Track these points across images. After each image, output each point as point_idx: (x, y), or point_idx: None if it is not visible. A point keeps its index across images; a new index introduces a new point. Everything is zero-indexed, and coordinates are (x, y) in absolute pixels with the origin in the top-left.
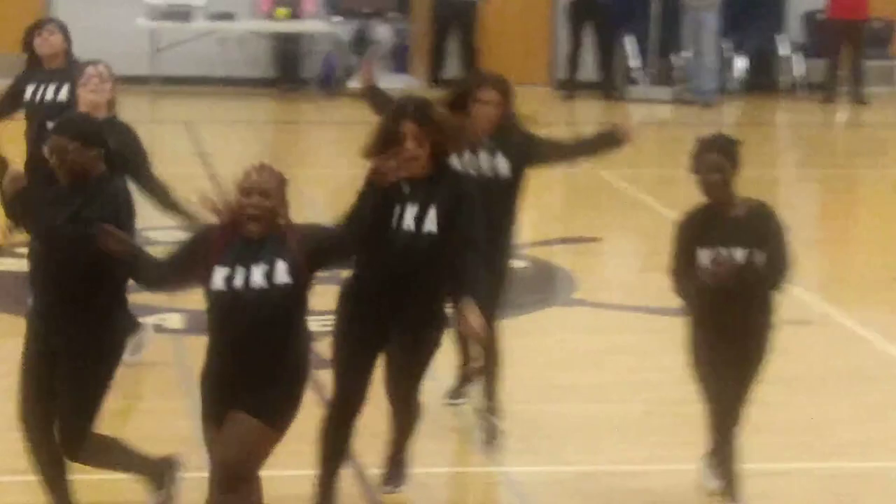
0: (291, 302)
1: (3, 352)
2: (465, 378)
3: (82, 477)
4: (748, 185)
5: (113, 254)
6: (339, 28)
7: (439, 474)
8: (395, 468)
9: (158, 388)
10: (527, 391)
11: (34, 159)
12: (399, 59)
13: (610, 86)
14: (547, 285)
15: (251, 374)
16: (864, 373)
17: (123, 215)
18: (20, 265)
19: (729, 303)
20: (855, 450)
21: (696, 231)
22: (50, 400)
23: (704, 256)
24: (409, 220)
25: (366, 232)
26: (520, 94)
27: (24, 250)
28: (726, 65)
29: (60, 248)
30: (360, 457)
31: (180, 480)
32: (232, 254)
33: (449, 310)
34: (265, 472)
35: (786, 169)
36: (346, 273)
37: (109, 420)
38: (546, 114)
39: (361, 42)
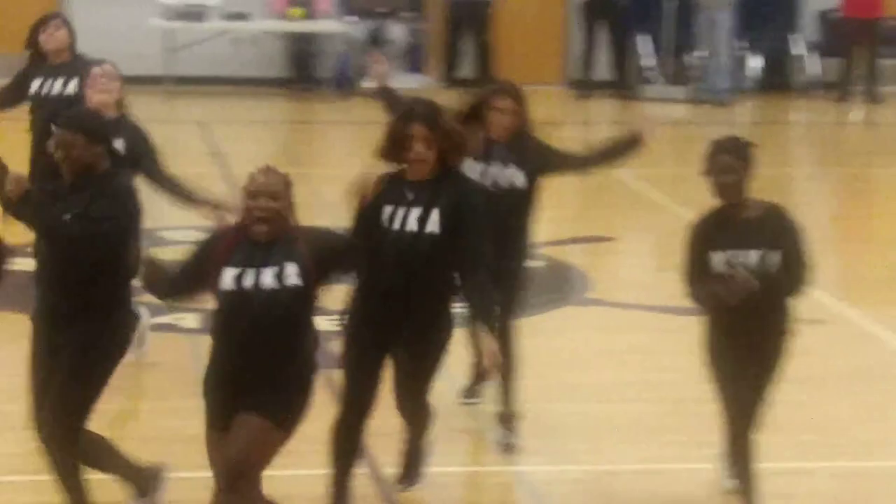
0: (300, 304)
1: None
2: (478, 377)
3: (98, 477)
4: (762, 184)
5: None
6: (353, 28)
7: (454, 473)
8: (410, 467)
9: (177, 388)
10: (541, 390)
11: (39, 153)
12: (413, 59)
13: (624, 85)
14: (562, 285)
15: (258, 375)
16: (881, 372)
17: (131, 213)
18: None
19: (745, 306)
20: (872, 448)
21: (708, 235)
22: None
23: (718, 260)
24: (412, 222)
25: (366, 234)
26: (534, 93)
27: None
28: (740, 64)
29: (65, 246)
30: (375, 456)
31: (164, 490)
32: (241, 255)
33: (459, 310)
34: (279, 472)
35: (800, 168)
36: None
37: (122, 419)
38: (560, 113)
39: (375, 42)
